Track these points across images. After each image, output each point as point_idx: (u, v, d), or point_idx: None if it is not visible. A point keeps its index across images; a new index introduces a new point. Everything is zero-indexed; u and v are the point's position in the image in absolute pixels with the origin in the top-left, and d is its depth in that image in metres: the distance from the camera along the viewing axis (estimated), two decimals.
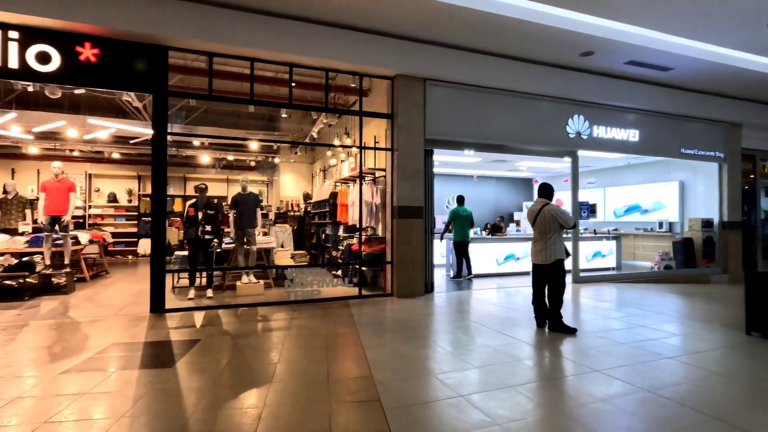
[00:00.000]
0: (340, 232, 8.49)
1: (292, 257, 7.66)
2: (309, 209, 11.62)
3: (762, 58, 6.99)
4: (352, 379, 3.18)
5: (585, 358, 3.69)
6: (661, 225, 10.41)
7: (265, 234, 8.70)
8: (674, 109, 8.45)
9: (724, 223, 9.18)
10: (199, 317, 5.16)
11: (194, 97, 6.52)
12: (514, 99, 7.34)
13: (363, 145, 6.88)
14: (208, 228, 6.37)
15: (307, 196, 12.59)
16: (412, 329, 4.59)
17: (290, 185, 13.78)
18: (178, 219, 10.07)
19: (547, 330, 4.59)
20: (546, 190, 4.81)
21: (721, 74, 7.49)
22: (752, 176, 9.91)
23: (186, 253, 6.60)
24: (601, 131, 8.01)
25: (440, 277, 8.80)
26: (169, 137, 5.49)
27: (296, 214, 12.98)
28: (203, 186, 6.66)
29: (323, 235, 9.89)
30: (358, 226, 7.15)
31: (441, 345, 4.07)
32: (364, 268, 7.15)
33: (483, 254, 9.00)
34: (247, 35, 5.47)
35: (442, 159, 10.93)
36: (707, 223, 9.35)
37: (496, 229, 9.80)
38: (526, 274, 7.80)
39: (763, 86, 8.08)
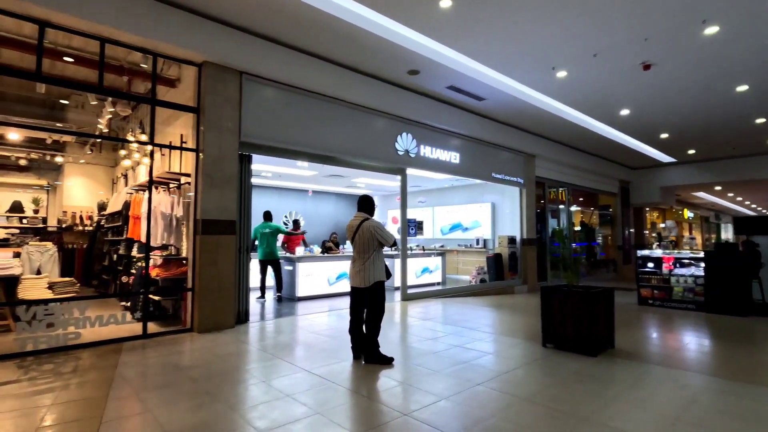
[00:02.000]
0: (134, 252, 6.73)
1: (50, 287, 5.63)
2: (102, 223, 9.24)
3: (549, 99, 8.17)
4: None
5: (396, 397, 3.21)
6: (478, 242, 11.45)
7: (16, 255, 6.32)
8: (487, 136, 9.33)
9: (524, 240, 10.53)
10: None
11: None
12: (346, 110, 6.96)
13: (156, 142, 5.49)
14: None
15: (102, 207, 10.06)
16: (196, 380, 3.50)
17: (81, 192, 10.86)
18: None
19: (363, 362, 4.05)
20: (366, 204, 4.33)
21: (521, 109, 8.53)
22: (542, 201, 11.72)
23: None
24: (427, 151, 8.26)
25: (268, 301, 7.80)
26: None
27: (87, 228, 10.28)
28: None
29: (115, 256, 7.84)
30: (151, 244, 5.67)
31: (225, 400, 3.10)
32: (156, 297, 5.67)
33: (315, 274, 8.32)
34: None
35: (276, 170, 10.03)
36: (512, 240, 10.59)
37: (328, 248, 9.26)
38: None
39: (550, 124, 9.56)
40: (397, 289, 8.35)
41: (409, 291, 8.17)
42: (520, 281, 10.44)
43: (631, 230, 15.70)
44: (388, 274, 4.24)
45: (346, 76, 6.74)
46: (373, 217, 4.32)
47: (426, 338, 5.12)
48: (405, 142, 7.83)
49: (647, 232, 16.96)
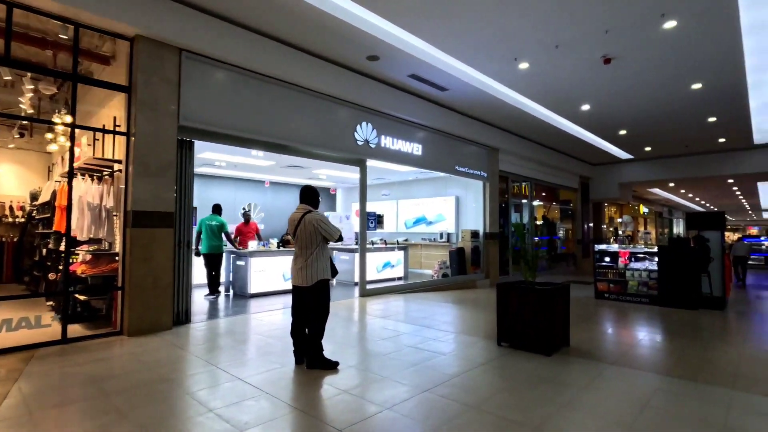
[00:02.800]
0: (62, 247, 6.09)
1: None
2: (34, 214, 8.44)
3: (512, 92, 8.04)
4: None
5: (334, 409, 2.92)
6: (442, 236, 11.31)
7: None
8: (450, 128, 9.13)
9: (487, 234, 10.46)
10: None
11: None
12: (302, 96, 6.54)
13: (91, 125, 4.92)
14: None
15: (34, 196, 9.19)
16: (108, 394, 3.07)
17: (12, 180, 9.90)
18: None
19: (306, 367, 3.73)
20: (309, 195, 3.97)
21: (484, 101, 8.36)
22: (506, 195, 11.70)
23: None
24: (388, 142, 7.95)
25: (221, 298, 7.34)
26: None
27: (18, 220, 9.43)
28: None
29: (45, 250, 7.12)
30: (78, 237, 5.13)
31: (135, 419, 2.70)
32: (82, 297, 5.12)
33: (268, 269, 7.89)
34: None
35: (230, 160, 9.47)
36: (475, 234, 10.50)
37: (286, 241, 8.83)
38: None
39: (513, 118, 9.47)
40: (356, 284, 8.06)
41: (369, 287, 7.89)
42: (482, 275, 10.39)
43: (590, 225, 16.06)
44: (334, 272, 3.92)
45: (301, 60, 6.32)
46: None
47: (380, 338, 4.86)
48: (365, 132, 7.50)
49: (605, 226, 17.42)
